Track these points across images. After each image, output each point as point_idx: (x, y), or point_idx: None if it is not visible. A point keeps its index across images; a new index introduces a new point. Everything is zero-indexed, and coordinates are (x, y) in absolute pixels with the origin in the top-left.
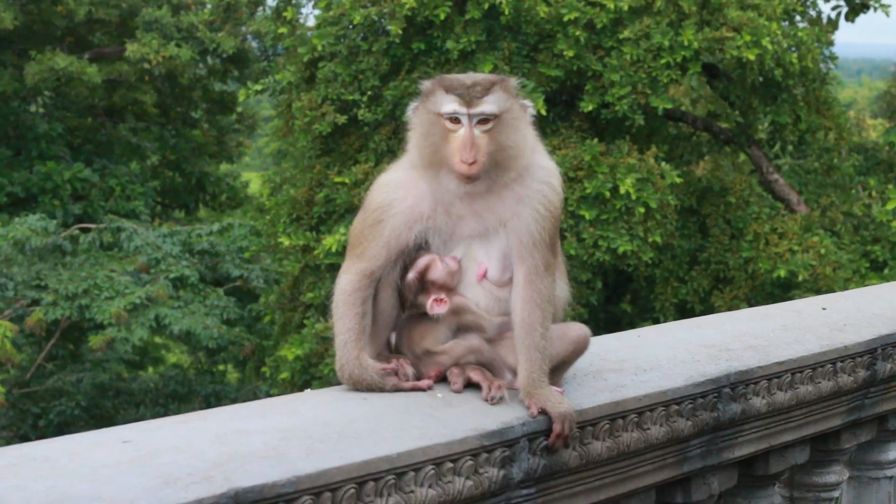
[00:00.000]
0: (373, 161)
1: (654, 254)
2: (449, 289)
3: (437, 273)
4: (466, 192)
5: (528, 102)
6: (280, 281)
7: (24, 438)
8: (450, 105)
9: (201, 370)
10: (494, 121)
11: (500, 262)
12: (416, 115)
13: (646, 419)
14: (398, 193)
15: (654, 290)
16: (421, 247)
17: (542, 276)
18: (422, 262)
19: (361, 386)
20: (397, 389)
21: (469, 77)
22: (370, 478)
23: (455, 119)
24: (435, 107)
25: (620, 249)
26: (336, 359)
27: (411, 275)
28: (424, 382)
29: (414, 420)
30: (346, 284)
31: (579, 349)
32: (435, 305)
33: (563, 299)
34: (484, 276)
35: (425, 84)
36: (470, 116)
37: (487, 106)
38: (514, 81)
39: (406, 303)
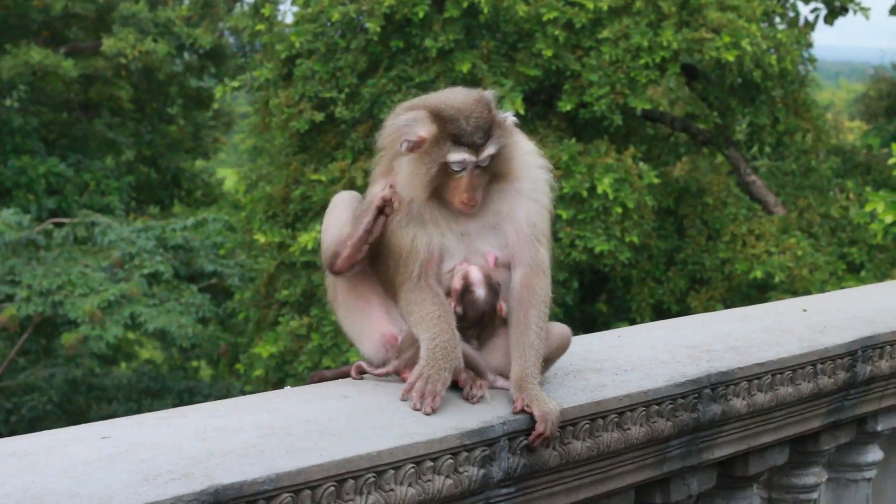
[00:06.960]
0: (350, 158)
1: (630, 254)
2: (455, 291)
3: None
4: None
5: (508, 115)
6: (255, 278)
7: None
8: (458, 155)
9: (174, 366)
10: (493, 156)
11: (503, 252)
12: (417, 159)
13: (626, 419)
14: (409, 233)
15: (630, 290)
16: None
17: (539, 276)
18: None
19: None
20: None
21: (466, 116)
22: (350, 476)
23: (461, 167)
24: (441, 156)
25: (597, 249)
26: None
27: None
28: (381, 370)
29: (394, 418)
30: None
31: (561, 348)
32: None
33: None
34: (495, 264)
35: (418, 118)
36: (476, 163)
37: (490, 149)
38: (489, 95)
39: None
